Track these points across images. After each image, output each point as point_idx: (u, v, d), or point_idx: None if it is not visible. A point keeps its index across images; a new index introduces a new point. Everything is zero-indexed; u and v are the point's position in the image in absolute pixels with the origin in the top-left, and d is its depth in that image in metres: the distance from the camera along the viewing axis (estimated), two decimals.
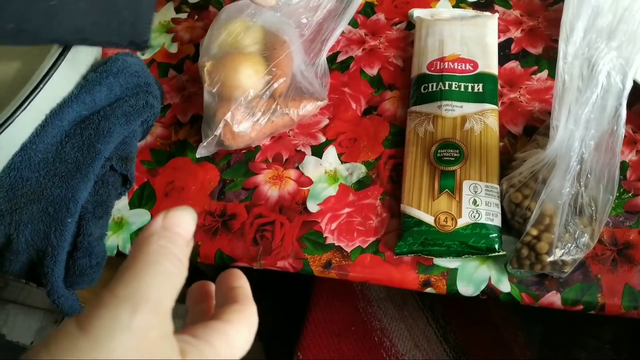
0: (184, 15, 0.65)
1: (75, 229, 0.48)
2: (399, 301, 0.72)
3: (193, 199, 0.51)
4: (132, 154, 0.53)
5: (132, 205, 0.52)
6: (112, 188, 0.51)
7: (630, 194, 0.46)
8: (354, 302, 0.73)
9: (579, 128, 0.38)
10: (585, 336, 0.85)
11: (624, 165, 0.47)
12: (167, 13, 0.66)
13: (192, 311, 0.31)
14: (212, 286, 0.32)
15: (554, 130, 0.39)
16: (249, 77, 0.50)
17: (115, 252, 0.51)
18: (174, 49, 0.63)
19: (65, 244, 0.47)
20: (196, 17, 0.64)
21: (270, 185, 0.51)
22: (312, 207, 0.50)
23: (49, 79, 0.46)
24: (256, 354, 0.92)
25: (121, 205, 0.52)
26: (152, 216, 0.51)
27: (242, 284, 0.28)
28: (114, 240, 0.51)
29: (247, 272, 0.50)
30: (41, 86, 0.45)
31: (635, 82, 0.48)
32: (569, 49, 0.38)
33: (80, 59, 0.51)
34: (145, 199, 0.52)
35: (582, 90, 0.38)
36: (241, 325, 0.25)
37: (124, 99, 0.52)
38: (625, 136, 0.48)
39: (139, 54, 0.58)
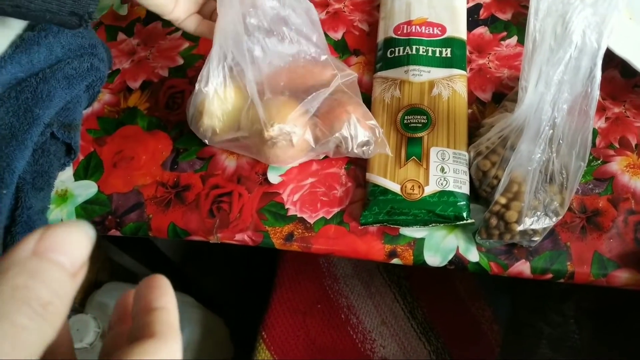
0: None
1: (13, 202, 0.43)
2: (365, 278, 0.71)
3: (143, 170, 0.48)
4: (77, 121, 0.49)
5: (77, 176, 0.48)
6: (54, 157, 0.47)
7: (599, 161, 0.44)
8: (320, 279, 0.71)
9: (551, 90, 0.37)
10: (549, 312, 0.86)
11: (593, 133, 0.46)
12: None
13: (112, 333, 0.24)
14: None
15: (522, 92, 0.38)
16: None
17: None
18: (123, 10, 0.58)
19: (0, 218, 0.43)
20: None
21: (228, 155, 0.48)
22: (274, 178, 0.47)
23: None
24: (221, 334, 0.90)
25: (65, 177, 0.48)
26: (100, 188, 0.48)
27: (164, 303, 0.21)
28: (58, 214, 0.47)
29: (210, 247, 0.47)
30: None
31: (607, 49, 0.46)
32: (541, 4, 0.36)
33: None
34: (92, 169, 0.48)
35: (555, 49, 0.36)
36: None
37: (65, 60, 0.48)
38: None
39: None
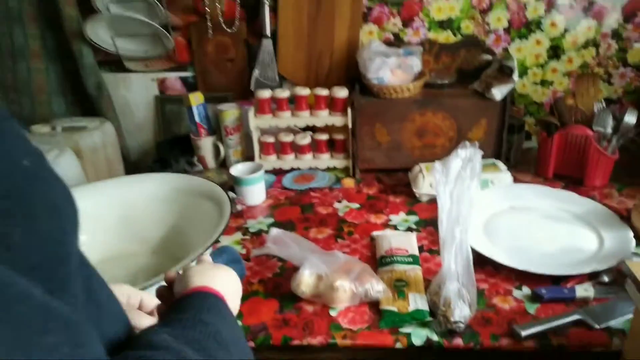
0: None
1: None
2: None
3: None
4: None
5: None
6: None
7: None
8: None
9: (452, 264, 0.90)
10: None
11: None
12: None
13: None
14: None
15: (443, 262, 0.91)
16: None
17: None
18: None
19: None
20: None
21: None
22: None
23: None
24: None
25: None
26: None
27: None
28: None
29: None
30: None
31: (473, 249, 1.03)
32: (444, 217, 0.93)
33: None
34: None
35: (449, 243, 0.92)
36: None
37: None
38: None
39: None
